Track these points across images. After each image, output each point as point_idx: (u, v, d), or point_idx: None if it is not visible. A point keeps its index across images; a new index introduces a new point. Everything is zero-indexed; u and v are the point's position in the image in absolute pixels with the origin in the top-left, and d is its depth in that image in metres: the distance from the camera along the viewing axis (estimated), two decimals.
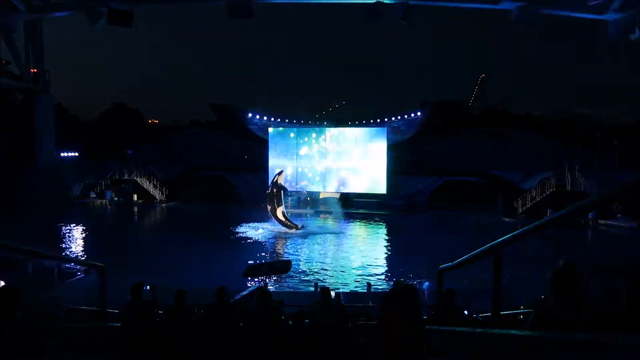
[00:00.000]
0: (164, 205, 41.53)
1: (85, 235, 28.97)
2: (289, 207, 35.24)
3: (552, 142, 38.45)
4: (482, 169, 38.46)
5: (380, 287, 16.06)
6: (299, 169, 39.64)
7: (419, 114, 41.44)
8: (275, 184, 28.95)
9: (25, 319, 3.37)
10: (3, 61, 39.59)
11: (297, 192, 40.14)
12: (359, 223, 33.14)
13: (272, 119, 42.63)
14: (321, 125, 41.60)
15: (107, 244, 24.55)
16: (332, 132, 39.53)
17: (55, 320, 6.08)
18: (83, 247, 25.38)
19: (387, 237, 29.56)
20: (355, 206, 38.25)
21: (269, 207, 28.77)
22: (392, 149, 38.23)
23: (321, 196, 40.64)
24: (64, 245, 24.79)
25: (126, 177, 42.93)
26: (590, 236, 28.65)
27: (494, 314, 3.36)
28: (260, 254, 22.53)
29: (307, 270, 19.55)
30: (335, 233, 29.09)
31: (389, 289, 6.23)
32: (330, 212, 37.71)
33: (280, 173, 29.97)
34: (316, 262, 21.47)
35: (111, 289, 6.53)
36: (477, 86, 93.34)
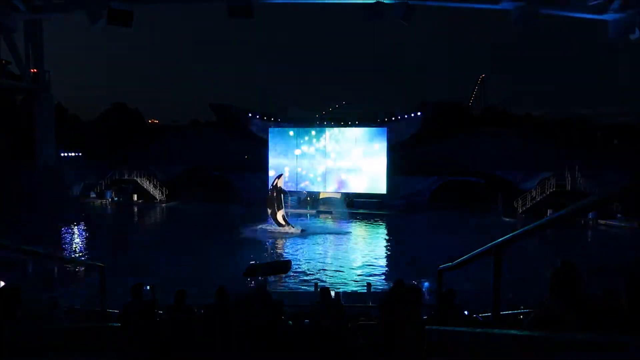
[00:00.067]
0: (164, 205, 41.54)
1: (85, 235, 28.99)
2: (289, 206, 35.27)
3: (552, 142, 38.43)
4: (482, 169, 38.47)
5: (380, 287, 16.06)
6: (299, 169, 39.65)
7: (419, 114, 41.44)
8: (275, 187, 29.04)
9: (25, 319, 3.38)
10: (3, 61, 39.59)
11: (297, 192, 40.15)
12: (359, 223, 33.14)
13: (272, 119, 42.63)
14: (321, 125, 41.59)
15: (107, 244, 24.57)
16: (332, 132, 39.54)
17: (55, 320, 6.08)
18: (83, 247, 25.39)
19: (387, 237, 29.57)
20: (355, 206, 38.26)
21: (269, 211, 28.89)
22: (392, 149, 38.24)
23: (321, 196, 40.67)
24: (64, 245, 24.80)
25: (126, 177, 42.93)
26: (590, 236, 28.65)
27: (494, 314, 3.36)
28: (260, 254, 22.53)
29: (307, 270, 19.55)
30: (335, 233, 29.11)
31: (389, 289, 6.23)
32: (330, 212, 37.75)
33: (279, 176, 30.08)
34: (316, 262, 21.48)
35: (111, 289, 6.53)
36: (477, 86, 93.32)
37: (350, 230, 30.44)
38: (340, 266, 20.75)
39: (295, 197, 39.99)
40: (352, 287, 17.02)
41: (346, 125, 40.55)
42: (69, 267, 16.76)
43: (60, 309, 8.88)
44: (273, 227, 28.67)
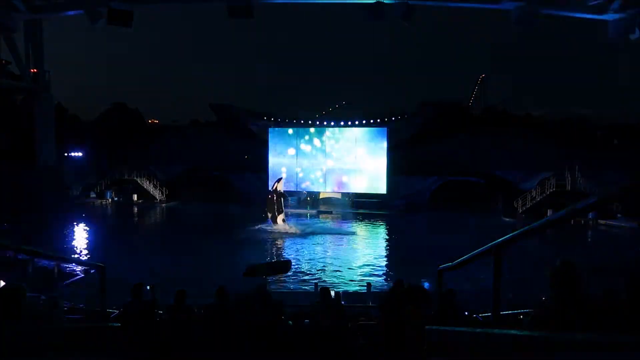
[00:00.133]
0: (164, 205, 41.54)
1: (86, 235, 28.99)
2: (290, 206, 35.30)
3: (552, 142, 38.43)
4: (482, 169, 38.46)
5: (380, 287, 16.06)
6: (297, 169, 39.66)
7: (419, 114, 41.42)
8: (275, 191, 29.11)
9: (25, 319, 3.37)
10: (3, 61, 39.57)
11: (297, 192, 40.17)
12: (358, 223, 33.14)
13: (272, 119, 42.64)
14: (321, 125, 41.60)
15: (107, 244, 24.56)
16: (332, 132, 39.54)
17: (55, 320, 6.08)
18: (83, 247, 25.39)
19: (387, 237, 29.57)
20: (355, 206, 38.27)
21: (269, 215, 29.01)
22: (392, 149, 38.23)
23: (321, 196, 40.69)
24: (64, 245, 24.79)
25: (126, 177, 42.93)
26: (590, 236, 28.65)
27: (494, 314, 3.36)
28: (260, 254, 22.53)
29: (307, 270, 19.55)
30: (335, 233, 29.10)
31: (389, 289, 6.23)
32: (330, 212, 37.78)
33: (279, 180, 30.15)
34: (316, 262, 21.48)
35: (111, 289, 6.53)
36: (477, 86, 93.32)
37: (354, 230, 30.41)
38: (340, 266, 20.75)
39: (295, 197, 40.01)
40: (352, 287, 17.01)
41: (346, 125, 40.55)
42: (69, 267, 16.75)
43: (60, 309, 8.88)
44: (273, 227, 28.69)
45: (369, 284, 14.66)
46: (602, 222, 29.89)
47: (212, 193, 39.74)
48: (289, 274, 16.90)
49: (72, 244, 26.01)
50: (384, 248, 26.69)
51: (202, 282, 12.25)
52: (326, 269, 20.17)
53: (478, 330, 3.22)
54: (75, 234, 29.33)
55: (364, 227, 31.89)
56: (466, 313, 6.47)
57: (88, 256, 22.60)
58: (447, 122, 40.80)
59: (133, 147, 45.74)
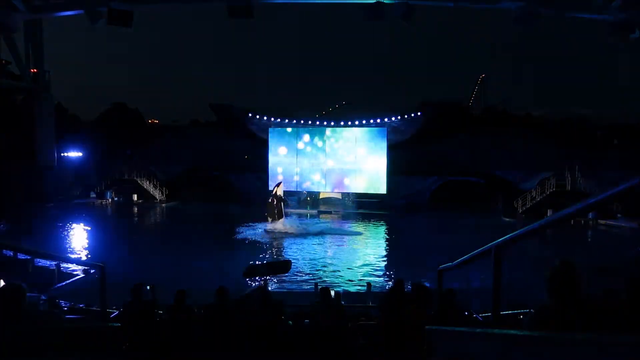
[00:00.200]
0: (164, 205, 41.54)
1: (85, 235, 28.98)
2: (289, 206, 35.32)
3: (552, 142, 38.44)
4: (482, 169, 38.46)
5: (380, 287, 16.06)
6: (299, 169, 39.66)
7: (419, 114, 41.45)
8: (274, 195, 29.25)
9: (25, 319, 3.37)
10: (3, 61, 39.58)
11: (297, 192, 40.17)
12: (358, 223, 33.13)
13: (272, 119, 42.66)
14: (321, 125, 41.61)
15: (107, 244, 24.55)
16: (331, 132, 39.54)
17: (55, 320, 6.07)
18: (83, 247, 25.39)
19: (387, 237, 29.57)
20: (355, 206, 38.28)
21: (269, 219, 29.18)
22: (392, 149, 38.23)
23: (321, 196, 40.69)
24: (64, 245, 24.79)
25: (126, 177, 42.93)
26: (590, 236, 28.65)
27: (494, 314, 3.36)
28: (260, 254, 22.53)
29: (307, 270, 19.55)
30: (335, 233, 29.10)
31: (389, 289, 6.23)
32: (330, 212, 37.80)
33: (278, 184, 30.32)
34: (316, 262, 21.47)
35: (111, 289, 6.52)
36: (477, 86, 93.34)
37: (358, 230, 30.41)
38: (340, 266, 20.75)
39: (295, 197, 40.01)
40: (352, 287, 17.02)
41: (346, 125, 40.56)
42: (69, 267, 16.75)
43: (60, 309, 8.88)
44: (273, 227, 28.71)
45: (369, 284, 14.66)
46: (602, 222, 29.89)
47: (212, 193, 39.75)
48: (289, 274, 16.90)
49: (72, 244, 26.01)
50: (384, 248, 26.69)
51: (202, 282, 12.26)
52: (326, 269, 20.17)
53: (478, 330, 3.22)
54: (75, 234, 29.33)
55: (364, 227, 31.89)
56: (466, 313, 6.47)
57: (88, 256, 22.61)
58: (447, 122, 40.78)
59: (133, 147, 45.74)
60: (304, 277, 18.34)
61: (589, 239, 28.20)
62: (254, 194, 39.47)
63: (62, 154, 42.69)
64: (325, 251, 24.53)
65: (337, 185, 39.36)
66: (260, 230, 28.66)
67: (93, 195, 42.54)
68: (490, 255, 3.29)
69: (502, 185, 37.67)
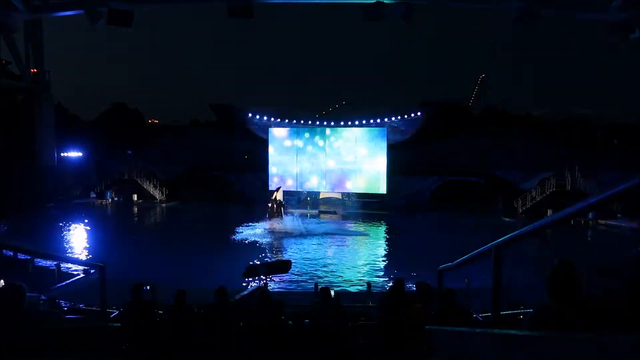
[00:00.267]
0: (164, 205, 41.54)
1: (86, 235, 28.98)
2: (288, 213, 35.39)
3: (552, 142, 38.45)
4: (482, 169, 38.46)
5: (380, 287, 16.06)
6: (299, 169, 39.65)
7: (419, 114, 41.47)
8: (274, 200, 29.57)
9: (25, 319, 3.37)
10: (3, 61, 39.59)
11: (297, 192, 40.16)
12: (358, 223, 33.14)
13: (272, 119, 42.68)
14: (321, 125, 41.61)
15: (107, 244, 24.55)
16: (332, 132, 39.54)
17: (55, 320, 6.07)
18: (83, 247, 25.40)
19: (387, 237, 29.57)
20: (355, 206, 38.27)
21: (269, 219, 29.42)
22: (392, 149, 38.23)
23: (321, 196, 40.69)
24: (64, 245, 24.80)
25: (126, 177, 42.93)
26: (590, 236, 28.65)
27: (494, 314, 3.36)
28: (260, 254, 22.53)
29: (307, 270, 19.55)
30: (335, 233, 29.11)
31: (389, 289, 6.23)
32: (329, 212, 37.81)
33: (278, 189, 30.52)
34: (316, 262, 21.47)
35: (111, 289, 6.53)
36: (477, 86, 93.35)
37: (347, 230, 30.43)
38: (340, 266, 20.75)
39: (295, 197, 40.01)
40: (352, 287, 17.02)
41: (346, 125, 40.56)
42: (69, 267, 16.75)
43: (60, 309, 8.88)
44: (273, 227, 28.73)
45: (369, 284, 14.67)
46: (602, 222, 29.89)
47: (212, 193, 39.75)
48: (289, 274, 16.91)
49: (72, 244, 26.02)
50: (384, 248, 26.69)
51: (202, 282, 12.25)
52: (326, 269, 20.17)
53: (478, 330, 3.22)
54: (75, 234, 29.33)
55: (364, 227, 31.90)
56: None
57: (88, 256, 22.62)
58: (447, 122, 40.78)
59: (133, 147, 45.73)
60: (304, 277, 18.34)
61: (589, 239, 28.20)
62: (254, 194, 39.47)
63: (62, 154, 42.70)
64: (325, 251, 24.53)
65: (337, 185, 39.35)
66: (260, 230, 28.67)
67: (93, 195, 42.54)
68: (490, 255, 3.29)
69: (502, 185, 37.67)
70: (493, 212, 34.79)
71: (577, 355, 1.81)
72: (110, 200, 42.26)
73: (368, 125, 40.33)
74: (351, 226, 32.05)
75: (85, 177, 43.35)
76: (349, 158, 38.51)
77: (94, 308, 8.86)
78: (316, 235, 27.76)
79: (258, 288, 12.45)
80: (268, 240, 26.45)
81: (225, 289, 6.42)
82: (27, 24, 34.79)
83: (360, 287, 16.45)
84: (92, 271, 14.31)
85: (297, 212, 35.01)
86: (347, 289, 16.54)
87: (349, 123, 40.85)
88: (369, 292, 13.84)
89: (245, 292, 12.25)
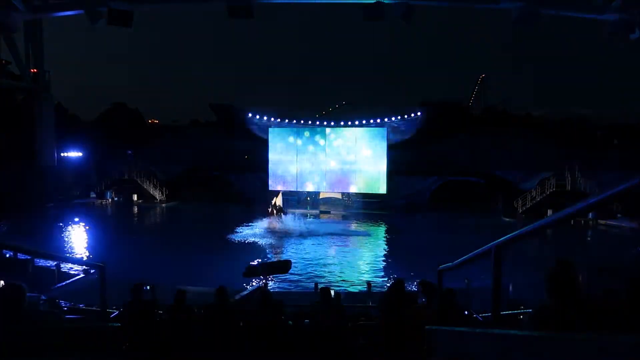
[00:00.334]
0: (164, 205, 41.54)
1: (86, 235, 28.99)
2: (286, 216, 35.45)
3: (552, 142, 38.46)
4: (482, 169, 38.46)
5: (380, 287, 16.06)
6: (299, 169, 39.64)
7: (419, 114, 41.48)
8: (274, 205, 30.25)
9: (25, 319, 3.37)
10: (3, 61, 39.60)
11: (297, 192, 40.17)
12: (358, 223, 33.14)
13: (272, 119, 42.68)
14: (321, 125, 41.60)
15: (107, 243, 24.56)
16: (332, 132, 39.54)
17: (55, 320, 6.08)
18: (83, 247, 25.40)
19: (387, 237, 29.57)
20: (355, 206, 38.28)
21: (270, 222, 29.59)
22: (392, 149, 38.23)
23: (321, 196, 40.69)
24: (64, 245, 24.80)
25: (126, 177, 42.93)
26: (590, 236, 28.65)
27: (494, 314, 3.36)
28: (260, 254, 22.54)
29: (308, 271, 19.56)
30: (335, 233, 29.13)
31: (389, 289, 6.22)
32: (330, 212, 37.82)
33: (277, 195, 30.79)
34: (316, 262, 21.48)
35: (111, 289, 6.53)
36: (477, 86, 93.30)
37: (347, 230, 30.44)
38: (340, 266, 20.76)
39: (295, 197, 40.02)
40: (352, 287, 17.02)
41: (346, 125, 40.56)
42: (69, 267, 16.75)
43: (60, 309, 8.88)
44: (273, 227, 28.76)
45: (369, 284, 14.69)
46: (602, 222, 29.90)
47: (212, 193, 39.76)
48: (289, 274, 16.92)
49: (72, 244, 26.02)
50: (384, 248, 26.69)
51: (202, 282, 12.26)
52: (326, 269, 20.18)
53: (478, 330, 3.22)
54: (75, 234, 29.33)
55: (364, 227, 31.91)
56: (466, 313, 6.47)
57: (88, 256, 22.62)
58: (447, 122, 40.78)
59: (133, 147, 45.74)
60: (304, 277, 18.34)
61: (589, 239, 28.21)
62: (254, 194, 39.48)
63: (62, 154, 42.69)
64: (325, 251, 24.54)
65: (337, 185, 39.34)
66: (260, 230, 28.68)
67: (93, 195, 42.54)
68: (490, 255, 3.30)
69: (502, 185, 37.67)
70: (493, 212, 34.81)
71: (577, 355, 1.81)
72: (110, 200, 42.26)
73: (368, 125, 40.32)
74: (351, 226, 32.06)
75: (85, 177, 43.35)
76: (349, 158, 38.50)
77: (94, 308, 8.87)
78: (316, 235, 27.76)
79: (258, 288, 12.47)
80: (268, 240, 26.45)
81: (225, 289, 6.42)
82: (27, 24, 34.79)
83: (360, 287, 16.46)
84: (92, 271, 14.31)
85: (297, 212, 35.04)
86: (347, 289, 16.54)
87: (349, 123, 40.84)
88: (369, 292, 13.85)
89: (245, 292, 12.26)
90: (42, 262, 16.18)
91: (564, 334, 2.06)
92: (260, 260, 19.02)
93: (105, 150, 44.88)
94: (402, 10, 11.74)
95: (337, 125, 40.84)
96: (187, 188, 42.42)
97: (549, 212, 29.31)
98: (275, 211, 29.96)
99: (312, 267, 20.34)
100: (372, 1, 11.71)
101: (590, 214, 29.43)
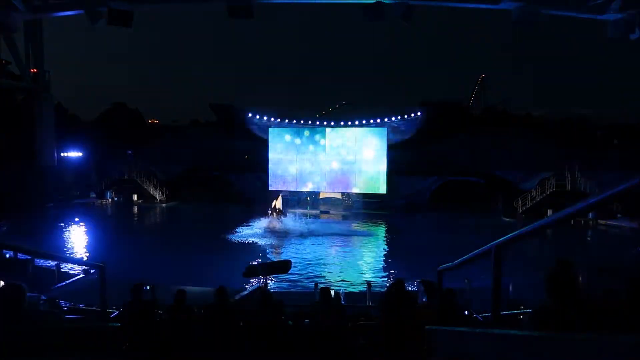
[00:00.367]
0: (164, 205, 41.54)
1: (86, 235, 28.99)
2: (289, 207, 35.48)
3: (552, 142, 38.47)
4: (482, 169, 38.46)
5: (380, 287, 16.06)
6: (299, 169, 39.65)
7: (419, 114, 41.48)
8: (273, 209, 30.33)
9: (25, 319, 3.37)
10: (3, 61, 39.61)
11: (297, 192, 40.16)
12: (358, 223, 33.14)
13: (272, 119, 42.69)
14: (321, 125, 41.61)
15: (107, 243, 24.56)
16: (332, 132, 39.53)
17: (55, 320, 6.08)
18: (83, 247, 25.40)
19: (387, 237, 29.57)
20: (355, 206, 38.28)
21: (270, 222, 29.68)
22: (392, 149, 38.23)
23: (321, 196, 40.69)
24: (64, 245, 24.80)
25: (126, 177, 42.93)
26: (590, 236, 28.66)
27: (494, 314, 3.36)
28: (260, 254, 22.54)
29: (307, 270, 19.56)
30: (335, 233, 29.12)
31: (388, 289, 6.22)
32: (330, 212, 37.83)
33: (277, 198, 30.96)
34: (316, 262, 21.48)
35: (111, 289, 6.53)
36: (477, 86, 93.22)
37: (347, 230, 30.45)
38: (340, 266, 20.76)
39: (295, 197, 40.02)
40: (352, 287, 17.02)
41: (346, 125, 40.56)
42: (69, 267, 16.75)
43: (60, 309, 8.88)
44: (273, 227, 28.77)
45: (369, 284, 14.66)
46: (602, 222, 29.91)
47: (212, 193, 39.75)
48: (289, 274, 16.92)
49: (72, 244, 26.01)
50: (384, 248, 26.69)
51: (202, 282, 12.26)
52: (326, 269, 20.18)
53: (478, 330, 3.22)
54: (75, 234, 29.33)
55: (364, 227, 31.91)
56: (466, 313, 6.47)
57: (88, 256, 22.62)
58: (447, 122, 40.77)
59: (133, 147, 45.74)
60: (304, 277, 18.34)
61: (589, 239, 28.22)
62: (254, 194, 39.48)
63: (62, 154, 42.69)
64: (325, 251, 24.54)
65: (337, 185, 39.34)
66: (260, 230, 28.68)
67: (93, 195, 42.54)
68: (490, 255, 3.30)
69: (502, 185, 37.67)
70: (493, 212, 34.81)
71: (577, 355, 1.81)
72: (110, 200, 42.26)
73: (368, 125, 40.32)
74: (351, 226, 32.06)
75: (85, 177, 43.35)
76: (349, 158, 38.51)
77: (94, 308, 8.87)
78: (316, 235, 27.76)
79: (258, 288, 12.47)
80: (268, 240, 26.45)
81: (225, 289, 6.42)
82: (27, 24, 34.79)
83: (360, 287, 16.45)
84: (92, 271, 14.30)
85: (297, 211, 35.05)
86: (347, 289, 16.53)
87: (349, 123, 40.84)
88: (369, 292, 13.84)
89: (245, 292, 12.27)
90: (42, 262, 16.18)
91: (564, 334, 2.06)
92: (260, 260, 19.03)
93: (105, 150, 44.88)
94: (402, 10, 11.75)
95: (337, 125, 40.83)
96: (187, 188, 42.42)
97: (549, 212, 29.31)
98: (275, 214, 30.10)
99: (312, 267, 20.34)
100: (372, 1, 11.72)
101: (590, 214, 29.42)
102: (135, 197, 42.29)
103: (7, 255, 14.41)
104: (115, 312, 7.15)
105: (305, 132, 39.93)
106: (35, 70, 38.87)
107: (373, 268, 20.65)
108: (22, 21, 14.27)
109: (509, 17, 11.73)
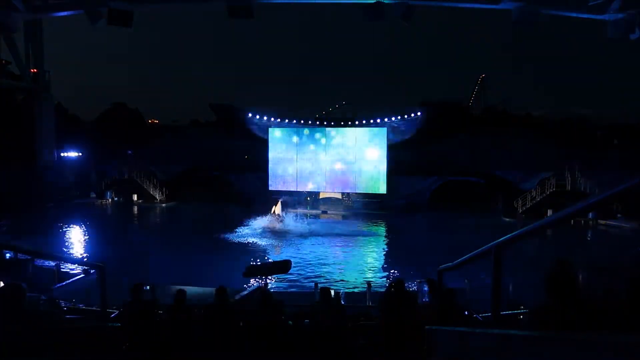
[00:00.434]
0: (163, 205, 41.52)
1: (85, 235, 28.98)
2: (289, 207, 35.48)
3: (552, 142, 38.45)
4: (482, 169, 38.45)
5: (380, 287, 16.06)
6: (299, 169, 39.64)
7: (419, 114, 41.46)
8: (272, 213, 30.55)
9: (25, 319, 3.37)
10: (3, 61, 39.62)
11: (297, 192, 40.15)
12: (358, 223, 33.13)
13: (272, 119, 42.67)
14: (321, 125, 41.59)
15: (107, 244, 24.56)
16: (332, 132, 39.52)
17: (55, 320, 6.08)
18: (83, 247, 25.39)
19: (387, 237, 29.56)
20: (355, 206, 38.27)
21: (270, 222, 29.76)
22: (392, 149, 38.22)
23: (321, 196, 40.67)
24: (64, 245, 24.80)
25: (126, 177, 42.92)
26: (590, 236, 28.65)
27: (494, 314, 3.36)
28: (260, 254, 22.54)
29: (307, 271, 19.56)
30: (335, 233, 29.12)
31: (388, 289, 6.22)
32: (330, 212, 37.82)
33: (276, 203, 31.12)
34: (316, 262, 21.48)
35: (111, 289, 6.53)
36: (477, 86, 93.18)
37: (347, 230, 30.47)
38: (341, 266, 20.76)
39: (295, 198, 40.01)
40: (352, 287, 17.02)
41: (346, 125, 40.54)
42: (69, 267, 16.75)
43: (60, 309, 8.88)
44: (273, 227, 28.78)
45: (369, 284, 14.67)
46: (602, 222, 29.90)
47: (212, 193, 39.73)
48: (289, 274, 16.92)
49: (72, 244, 26.01)
50: (384, 248, 26.69)
51: (202, 282, 12.26)
52: (326, 269, 20.18)
53: (478, 330, 3.22)
54: (75, 233, 29.32)
55: (364, 227, 31.90)
56: (466, 313, 6.47)
57: (88, 256, 22.62)
58: (447, 122, 40.75)
59: (133, 147, 45.73)
60: (304, 277, 18.35)
61: (589, 239, 28.21)
62: (254, 194, 39.46)
63: (62, 154, 42.68)
64: (325, 251, 24.53)
65: (337, 185, 39.32)
66: (260, 230, 28.68)
67: (93, 195, 42.52)
68: (490, 255, 3.29)
69: (502, 185, 37.66)
70: (493, 212, 34.79)
71: (577, 355, 1.81)
72: (110, 200, 42.24)
73: (368, 125, 40.30)
74: (351, 226, 32.05)
75: (85, 177, 43.33)
76: (349, 158, 38.50)
77: (94, 308, 8.87)
78: (316, 235, 27.76)
79: (258, 288, 12.48)
80: (268, 240, 26.45)
81: (225, 289, 6.42)
82: (27, 24, 34.80)
83: (360, 287, 16.45)
84: (92, 271, 14.31)
85: (297, 211, 35.04)
86: (347, 289, 16.54)
87: (349, 123, 40.83)
88: (369, 292, 13.84)
89: (245, 292, 12.27)
90: (42, 262, 16.18)
91: (564, 334, 2.06)
92: (260, 260, 19.03)
93: (105, 150, 44.87)
94: (402, 11, 11.74)
95: (337, 125, 40.81)
96: (187, 188, 42.38)
97: (549, 212, 29.31)
98: (275, 217, 30.36)
99: (312, 267, 20.34)
100: (372, 1, 11.71)
101: (590, 214, 29.42)
102: (135, 197, 42.27)
103: (7, 255, 14.40)
104: (115, 312, 7.15)
105: (305, 132, 39.92)
106: (35, 70, 38.90)
107: (373, 268, 20.65)
108: (22, 21, 14.26)
109: (509, 17, 11.73)
